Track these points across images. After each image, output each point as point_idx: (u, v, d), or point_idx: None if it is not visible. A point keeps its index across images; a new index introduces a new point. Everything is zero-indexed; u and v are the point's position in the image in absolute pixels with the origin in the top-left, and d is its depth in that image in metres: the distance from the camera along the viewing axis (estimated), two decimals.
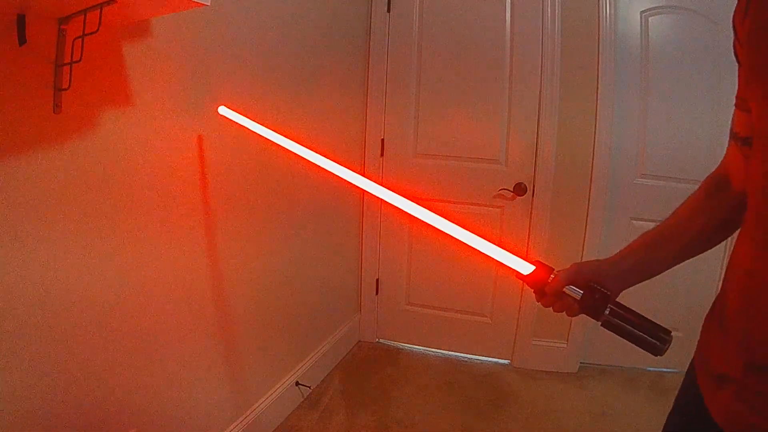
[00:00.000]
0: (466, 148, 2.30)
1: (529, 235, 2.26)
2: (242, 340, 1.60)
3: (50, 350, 0.95)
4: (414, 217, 0.76)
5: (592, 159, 2.15)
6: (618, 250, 0.73)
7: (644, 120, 2.16)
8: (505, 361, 2.41)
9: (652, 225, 0.74)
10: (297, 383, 1.91)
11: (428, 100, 2.33)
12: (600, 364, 2.33)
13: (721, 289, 0.61)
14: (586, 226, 2.20)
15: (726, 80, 2.07)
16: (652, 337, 0.61)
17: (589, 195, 2.17)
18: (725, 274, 0.60)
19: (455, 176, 2.33)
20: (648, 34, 2.11)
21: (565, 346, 2.31)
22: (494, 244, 0.71)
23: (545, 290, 0.68)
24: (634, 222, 2.21)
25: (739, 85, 0.61)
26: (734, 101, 0.63)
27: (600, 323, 0.65)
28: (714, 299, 0.64)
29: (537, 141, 2.19)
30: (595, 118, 2.12)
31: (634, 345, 0.63)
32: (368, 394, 2.08)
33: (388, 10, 2.31)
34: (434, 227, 0.74)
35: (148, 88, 1.12)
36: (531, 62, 2.16)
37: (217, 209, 1.41)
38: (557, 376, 2.27)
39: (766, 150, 0.52)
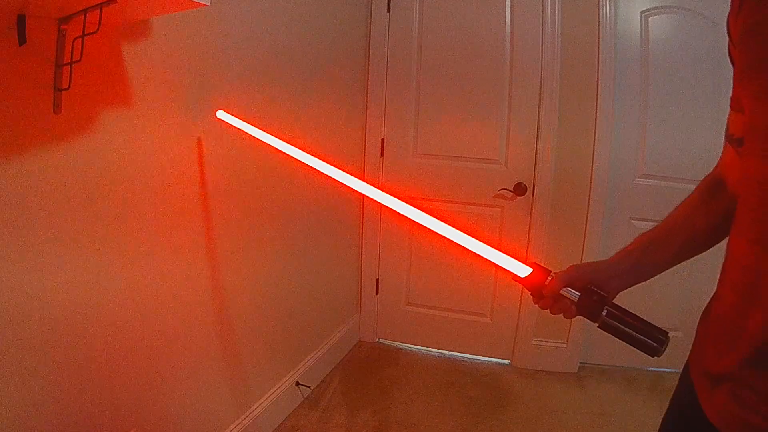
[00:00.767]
0: (466, 148, 2.30)
1: (529, 235, 2.26)
2: (242, 340, 1.60)
3: (50, 351, 0.95)
4: (410, 219, 0.76)
5: (592, 159, 2.15)
6: (617, 251, 0.73)
7: (644, 120, 2.16)
8: (505, 361, 2.41)
9: (652, 225, 0.74)
10: (297, 383, 1.91)
11: (428, 100, 2.33)
12: (600, 364, 2.33)
13: (717, 288, 0.61)
14: (586, 226, 2.20)
15: (726, 80, 2.06)
16: (649, 338, 0.62)
17: (589, 195, 2.17)
18: (720, 274, 0.60)
19: (455, 176, 2.33)
20: (648, 34, 2.11)
21: (565, 346, 2.31)
22: (492, 246, 0.71)
23: (543, 292, 0.68)
24: (634, 222, 2.21)
25: (733, 86, 0.61)
26: (729, 103, 0.63)
27: (597, 325, 0.65)
28: (710, 300, 0.64)
29: (537, 141, 2.19)
30: (595, 118, 2.12)
31: (632, 346, 0.63)
32: (368, 394, 2.08)
33: (388, 10, 2.31)
34: (431, 230, 0.74)
35: (148, 88, 1.12)
36: (531, 62, 2.16)
37: (216, 210, 1.41)
38: (557, 376, 2.27)
39: (758, 147, 0.52)
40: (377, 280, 2.54)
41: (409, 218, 0.76)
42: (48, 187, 0.91)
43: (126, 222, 1.10)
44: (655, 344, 0.62)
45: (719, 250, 0.74)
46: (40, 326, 0.93)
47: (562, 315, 0.68)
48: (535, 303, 0.70)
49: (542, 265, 0.70)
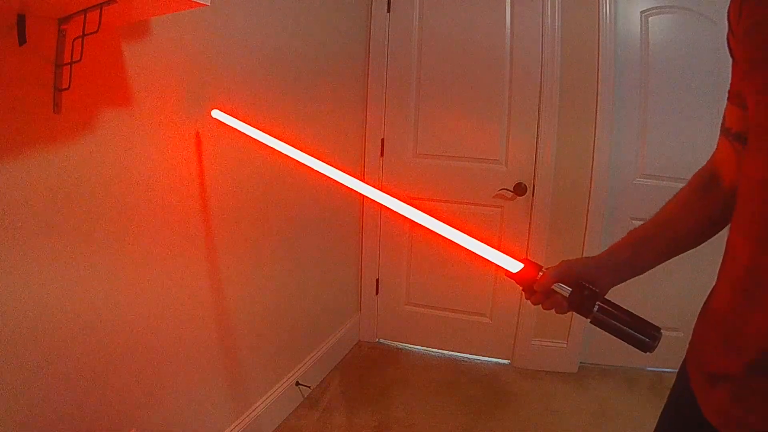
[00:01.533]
0: (466, 148, 2.30)
1: (529, 235, 2.26)
2: (242, 340, 1.60)
3: (51, 353, 0.95)
4: (404, 216, 0.76)
5: (592, 159, 2.15)
6: (609, 246, 0.73)
7: (644, 120, 2.16)
8: (505, 361, 2.41)
9: None
10: (297, 383, 1.91)
11: (428, 100, 2.33)
12: (600, 364, 2.33)
13: (715, 286, 0.61)
14: (586, 226, 2.20)
15: (726, 80, 2.06)
16: (641, 333, 0.62)
17: (589, 195, 2.17)
18: (719, 272, 0.60)
19: (455, 176, 2.33)
20: (648, 34, 2.12)
21: (565, 346, 2.31)
22: (483, 242, 0.71)
23: (534, 288, 0.68)
24: (634, 222, 2.17)
25: (732, 79, 0.61)
26: (727, 96, 0.63)
27: (589, 320, 0.65)
28: (708, 296, 0.64)
29: (537, 141, 2.19)
30: (595, 118, 2.12)
31: (624, 342, 0.63)
32: (368, 394, 2.08)
33: (388, 10, 2.31)
34: (424, 226, 0.74)
35: (148, 88, 1.12)
36: (531, 61, 2.16)
37: (215, 209, 1.41)
38: (557, 376, 2.27)
39: (762, 144, 0.51)
40: (377, 280, 2.54)
41: (402, 215, 0.76)
42: (48, 189, 0.91)
43: (125, 222, 1.10)
44: (647, 339, 0.61)
45: (719, 248, 0.73)
46: (41, 327, 0.93)
47: (554, 310, 0.68)
48: (527, 298, 0.70)
49: (533, 260, 0.69)
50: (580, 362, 2.33)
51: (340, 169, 0.89)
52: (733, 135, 0.62)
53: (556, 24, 2.10)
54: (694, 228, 0.70)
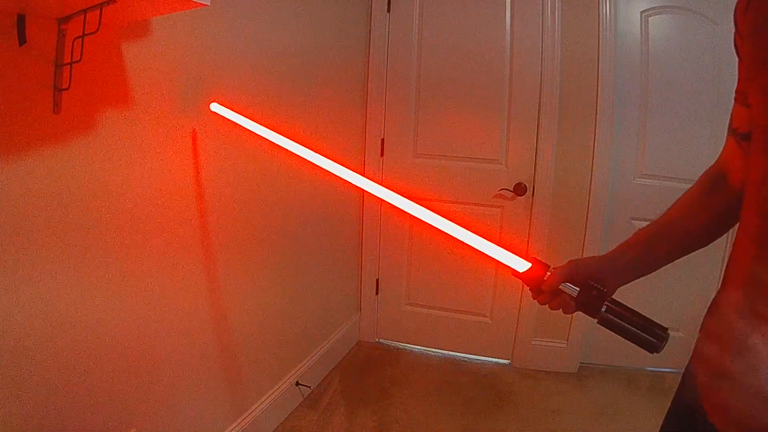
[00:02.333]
0: (466, 148, 2.30)
1: (529, 235, 2.26)
2: (241, 341, 1.60)
3: (52, 354, 0.95)
4: (412, 215, 0.76)
5: (592, 159, 2.15)
6: (617, 246, 0.73)
7: (644, 119, 2.16)
8: (505, 361, 2.41)
9: None
10: (297, 383, 1.91)
11: (428, 100, 2.33)
12: (600, 364, 2.33)
13: (721, 288, 0.60)
14: (586, 226, 2.20)
15: (726, 80, 2.07)
16: (649, 334, 0.61)
17: (589, 195, 2.17)
18: (725, 273, 0.59)
19: (455, 176, 2.33)
20: (648, 34, 2.12)
21: (565, 346, 2.31)
22: (491, 241, 0.71)
23: (542, 287, 0.67)
24: (634, 222, 2.21)
25: (738, 79, 0.60)
26: (733, 96, 0.62)
27: (596, 321, 0.65)
28: (712, 299, 0.63)
29: (537, 141, 2.19)
30: (595, 118, 2.12)
31: (631, 343, 0.63)
32: (368, 394, 2.08)
33: (388, 10, 2.31)
34: (431, 225, 0.73)
35: (148, 88, 1.12)
36: (531, 61, 2.16)
37: (214, 209, 1.40)
38: (557, 376, 2.27)
39: (763, 143, 0.51)
40: (377, 280, 2.54)
41: (408, 213, 0.76)
42: (47, 188, 0.91)
43: (125, 223, 1.10)
44: (654, 340, 0.61)
45: (723, 246, 0.73)
46: (40, 333, 0.93)
47: (562, 312, 0.68)
48: (534, 298, 0.69)
49: (541, 259, 0.69)
50: (580, 362, 2.33)
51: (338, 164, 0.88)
52: (740, 135, 0.62)
53: (557, 23, 2.10)
54: (702, 227, 0.69)
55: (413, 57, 2.31)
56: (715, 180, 0.70)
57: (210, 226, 1.39)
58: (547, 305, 0.68)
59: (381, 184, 0.80)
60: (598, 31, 2.08)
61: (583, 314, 0.67)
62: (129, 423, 1.17)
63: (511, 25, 2.18)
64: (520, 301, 2.32)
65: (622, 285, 0.69)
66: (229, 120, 1.18)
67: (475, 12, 2.21)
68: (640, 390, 2.15)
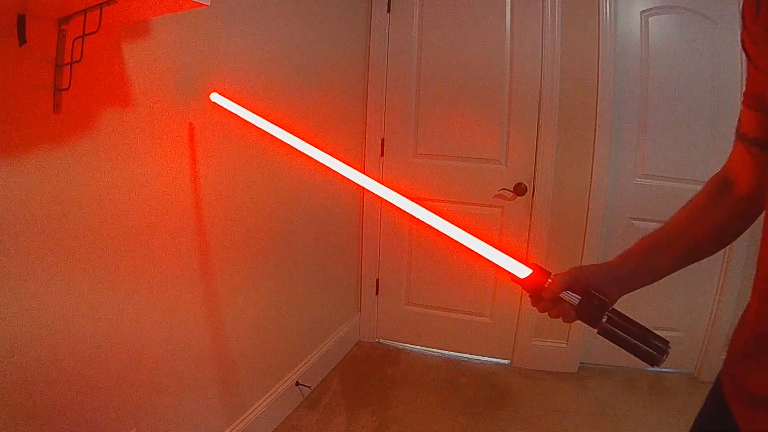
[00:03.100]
0: (466, 148, 2.30)
1: (529, 235, 2.26)
2: (241, 341, 1.60)
3: (53, 356, 0.95)
4: (410, 215, 0.75)
5: (592, 159, 2.15)
6: (618, 251, 0.72)
7: (644, 119, 2.16)
8: (505, 361, 2.41)
9: (652, 225, 0.73)
10: (297, 383, 1.91)
11: (428, 100, 2.33)
12: (600, 364, 2.33)
13: (750, 302, 0.57)
14: (586, 226, 2.20)
15: (726, 80, 2.07)
16: (649, 347, 0.60)
17: (589, 195, 2.17)
18: (753, 286, 0.56)
19: (455, 176, 2.33)
20: (648, 34, 2.12)
21: (565, 346, 2.31)
22: (491, 245, 0.69)
23: (542, 295, 0.66)
24: (634, 222, 2.21)
25: (748, 82, 0.58)
26: (742, 100, 0.60)
27: (596, 331, 0.63)
28: (743, 311, 0.60)
29: (537, 141, 2.19)
30: (595, 118, 2.12)
31: (631, 354, 0.61)
32: (368, 394, 2.08)
33: (388, 10, 2.31)
34: (431, 227, 0.72)
35: (148, 88, 1.12)
36: (531, 61, 2.16)
37: (213, 209, 1.40)
38: (557, 376, 2.27)
39: None
40: (377, 280, 2.54)
41: (407, 213, 0.75)
42: (47, 188, 0.91)
43: (125, 223, 1.10)
44: (655, 353, 0.60)
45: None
46: (43, 332, 0.93)
47: (561, 319, 0.66)
48: (534, 306, 0.68)
49: (542, 266, 0.67)
50: (580, 362, 2.33)
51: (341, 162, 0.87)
52: (749, 140, 0.60)
53: (557, 23, 2.10)
54: (707, 235, 0.67)
55: (413, 57, 2.31)
56: (721, 186, 0.68)
57: (208, 226, 1.39)
58: (547, 313, 0.67)
59: (381, 184, 0.79)
60: (598, 30, 2.08)
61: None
62: (129, 423, 1.17)
63: (511, 25, 2.18)
64: (520, 301, 2.32)
65: (626, 294, 0.67)
66: (229, 114, 1.15)
67: (475, 11, 2.21)
68: (640, 390, 2.15)
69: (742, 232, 0.65)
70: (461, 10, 2.23)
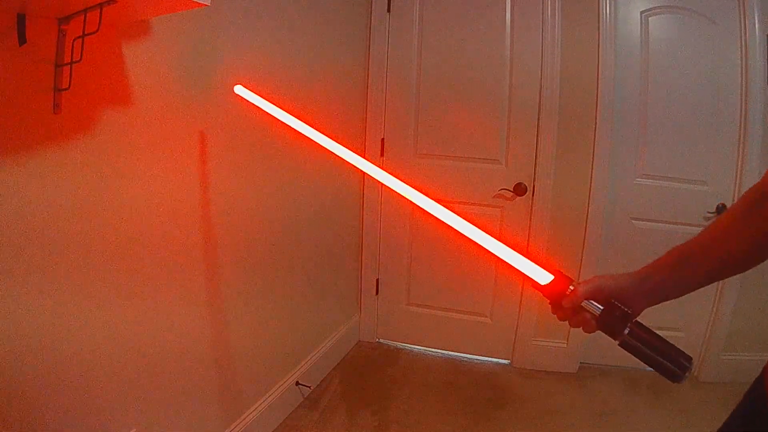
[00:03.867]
0: (466, 147, 2.30)
1: (529, 235, 2.26)
2: (242, 341, 1.60)
3: (53, 357, 0.95)
4: (431, 215, 0.72)
5: (592, 159, 2.15)
6: (618, 251, 0.71)
7: (644, 119, 2.16)
8: (505, 361, 2.41)
9: (652, 225, 0.72)
10: (297, 383, 1.91)
11: (428, 99, 2.33)
12: (600, 364, 2.33)
13: None
14: (586, 226, 2.19)
15: (726, 80, 2.07)
16: (673, 363, 0.58)
17: (589, 195, 2.17)
18: None
19: (455, 176, 2.33)
20: (648, 34, 2.12)
21: (565, 346, 2.31)
22: (513, 249, 0.67)
23: (562, 303, 0.63)
24: (634, 222, 2.20)
25: None
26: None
27: (618, 343, 0.61)
28: None
29: (537, 141, 2.19)
30: (596, 118, 2.12)
31: (653, 369, 0.59)
32: (368, 394, 2.08)
33: (388, 10, 2.31)
34: (452, 227, 0.70)
35: (148, 88, 1.12)
36: (531, 61, 2.16)
37: (214, 209, 1.40)
38: (557, 376, 2.27)
39: None
40: (377, 280, 2.54)
41: (428, 212, 0.72)
42: (47, 188, 0.91)
43: (125, 223, 1.10)
44: (678, 370, 0.57)
45: None
46: (43, 334, 0.93)
47: (581, 329, 0.63)
48: (554, 313, 0.65)
49: (564, 273, 0.65)
50: (580, 362, 2.33)
51: (351, 165, 0.87)
52: None
53: (557, 23, 2.10)
54: (740, 249, 0.63)
55: (413, 57, 2.31)
56: (759, 199, 0.64)
57: (211, 226, 1.39)
58: (567, 322, 0.64)
59: (381, 184, 0.79)
60: (598, 30, 2.08)
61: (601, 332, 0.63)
62: (129, 423, 1.17)
63: (511, 25, 2.18)
64: (520, 301, 2.32)
65: (650, 306, 0.65)
66: (231, 113, 1.15)
67: (474, 11, 2.21)
68: (640, 390, 2.15)
69: None
70: (461, 9, 2.23)
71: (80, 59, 0.86)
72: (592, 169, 2.16)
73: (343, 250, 2.34)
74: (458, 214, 0.69)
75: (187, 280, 1.32)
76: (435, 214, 0.72)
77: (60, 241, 0.95)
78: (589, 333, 0.63)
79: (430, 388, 2.16)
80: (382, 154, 2.41)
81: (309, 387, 1.99)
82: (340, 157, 0.87)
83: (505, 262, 0.67)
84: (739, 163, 2.02)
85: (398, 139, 2.39)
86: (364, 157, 0.85)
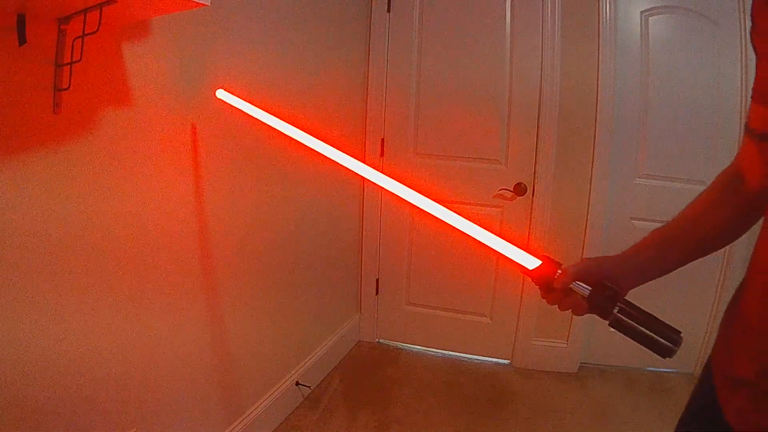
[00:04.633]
0: (466, 147, 2.30)
1: (529, 235, 2.26)
2: (242, 341, 1.60)
3: (54, 359, 0.95)
4: (420, 209, 0.73)
5: (592, 159, 2.15)
6: (618, 251, 0.71)
7: (644, 119, 2.16)
8: (505, 361, 2.41)
9: (652, 225, 0.73)
10: (297, 383, 1.92)
11: (428, 99, 2.33)
12: (600, 364, 2.33)
13: (742, 290, 0.58)
14: (586, 226, 2.20)
15: (726, 79, 2.07)
16: (663, 338, 0.58)
17: (589, 195, 2.17)
18: (746, 275, 0.57)
19: (455, 176, 2.33)
20: (648, 34, 2.12)
21: (565, 346, 2.31)
22: (500, 237, 0.67)
23: (552, 286, 0.64)
24: (634, 222, 2.21)
25: (756, 78, 0.58)
26: (751, 95, 0.60)
27: (608, 323, 0.61)
28: (731, 299, 0.62)
29: (537, 140, 2.19)
30: (595, 117, 2.12)
31: (642, 346, 0.59)
32: (368, 394, 2.08)
33: (388, 10, 2.31)
34: (440, 219, 0.70)
35: (148, 88, 1.12)
36: (531, 61, 2.16)
37: (213, 208, 1.40)
38: (557, 376, 2.27)
39: None
40: (377, 280, 2.54)
41: (419, 208, 0.74)
42: (46, 188, 0.91)
43: (125, 224, 1.10)
44: (668, 344, 0.58)
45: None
46: (43, 336, 0.93)
47: (567, 312, 0.64)
48: (543, 297, 0.66)
49: (551, 257, 0.65)
50: (580, 362, 2.33)
51: (343, 167, 0.87)
52: (758, 135, 0.60)
53: (557, 23, 2.10)
54: (718, 227, 0.68)
55: (413, 57, 2.31)
56: (731, 180, 0.68)
57: (210, 226, 1.39)
58: (557, 306, 0.65)
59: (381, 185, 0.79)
60: (598, 30, 2.08)
61: (588, 315, 0.63)
62: (129, 423, 1.17)
63: (511, 25, 2.18)
64: (520, 301, 2.32)
65: (636, 286, 0.66)
66: (231, 113, 1.15)
67: (475, 11, 2.21)
68: (640, 390, 2.15)
69: (750, 226, 0.66)
70: (461, 9, 2.23)
71: (80, 59, 0.86)
72: (592, 168, 2.16)
73: (342, 250, 2.34)
74: (454, 210, 0.69)
75: (187, 281, 1.32)
76: (424, 208, 0.73)
77: (60, 242, 0.95)
78: (580, 314, 0.63)
79: (430, 388, 2.16)
80: (381, 154, 2.41)
81: (309, 387, 1.99)
82: (335, 162, 0.87)
83: (494, 250, 0.68)
84: None
85: (398, 139, 2.39)
86: (363, 157, 0.85)
